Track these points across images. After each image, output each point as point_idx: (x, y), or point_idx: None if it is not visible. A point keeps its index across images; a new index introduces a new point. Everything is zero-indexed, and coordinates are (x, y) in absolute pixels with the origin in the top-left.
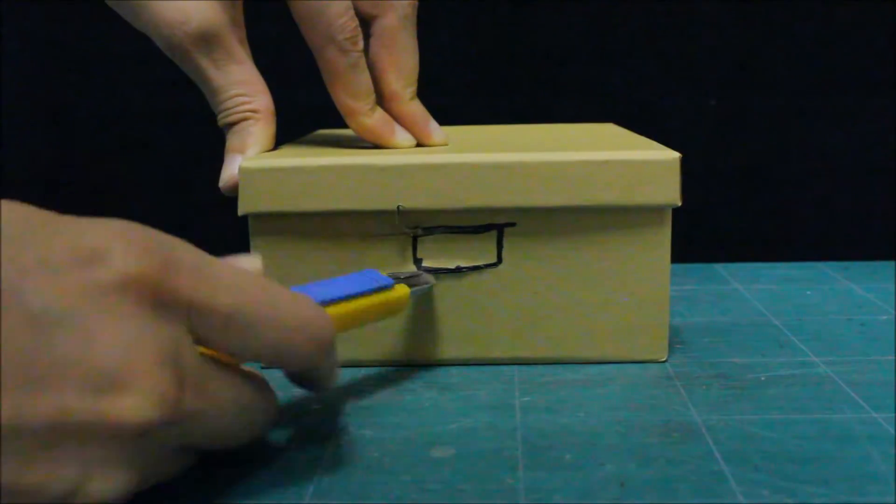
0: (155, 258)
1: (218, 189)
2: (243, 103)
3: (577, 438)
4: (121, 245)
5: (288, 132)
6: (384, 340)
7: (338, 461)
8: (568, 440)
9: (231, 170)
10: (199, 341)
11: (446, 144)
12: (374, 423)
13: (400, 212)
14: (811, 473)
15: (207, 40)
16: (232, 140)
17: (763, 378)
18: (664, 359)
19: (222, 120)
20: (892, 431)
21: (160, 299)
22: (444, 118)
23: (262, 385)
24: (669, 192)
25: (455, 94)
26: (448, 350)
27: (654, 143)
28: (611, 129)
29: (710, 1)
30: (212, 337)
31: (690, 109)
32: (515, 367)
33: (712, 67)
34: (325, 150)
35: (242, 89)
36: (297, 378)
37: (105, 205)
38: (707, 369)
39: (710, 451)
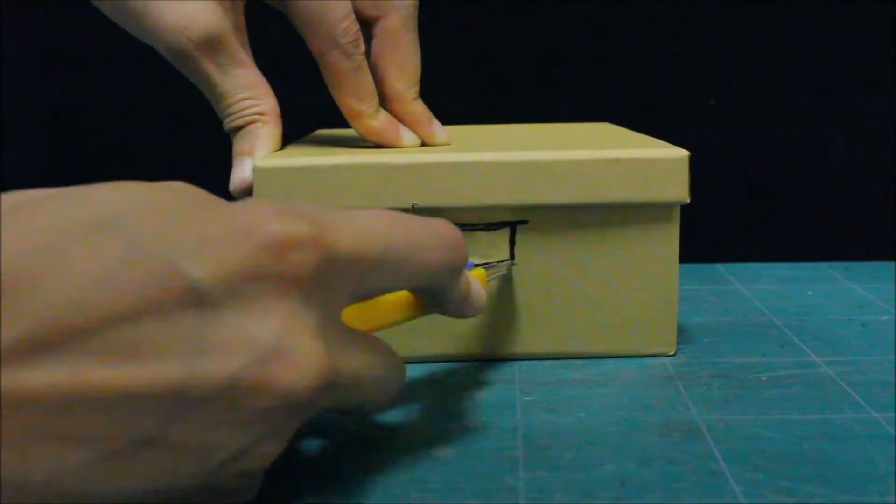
0: (307, 223)
1: (221, 189)
2: (250, 106)
3: (577, 438)
4: (273, 216)
5: (286, 132)
6: (397, 338)
7: (338, 461)
8: (568, 440)
9: (241, 172)
10: (352, 294)
11: (450, 143)
12: (374, 423)
13: (414, 209)
14: (811, 473)
15: (212, 45)
16: (240, 143)
17: (764, 378)
18: (673, 352)
19: (229, 124)
20: (893, 431)
21: (319, 263)
22: (444, 118)
23: (390, 352)
24: (678, 188)
25: (455, 94)
26: (461, 346)
27: (660, 141)
28: (610, 129)
29: (710, 1)
30: (367, 282)
31: (690, 109)
32: (517, 367)
33: (712, 67)
34: (335, 149)
35: (248, 93)
36: (447, 306)
37: None
38: (708, 369)
39: (710, 450)
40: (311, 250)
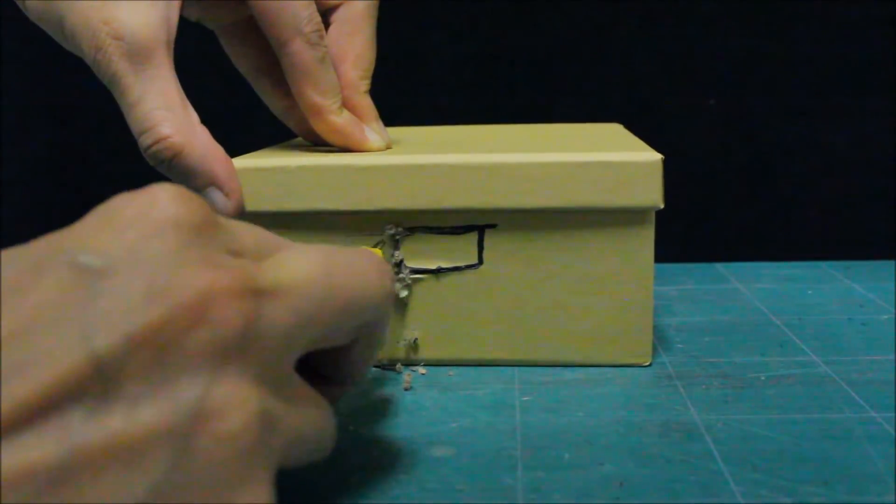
0: (229, 272)
1: None
2: (161, 120)
3: (576, 438)
4: (193, 268)
5: (288, 133)
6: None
7: (338, 461)
8: (567, 440)
9: (218, 206)
10: (301, 334)
11: (389, 147)
12: (374, 423)
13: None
14: (810, 473)
15: (136, 48)
16: (180, 181)
17: (763, 378)
18: (648, 363)
19: (145, 151)
20: (892, 431)
21: (245, 315)
22: (445, 118)
23: (328, 406)
24: (651, 193)
25: (455, 94)
26: (427, 351)
27: (642, 144)
28: (612, 130)
29: (710, 1)
30: (313, 321)
31: (690, 109)
32: (515, 367)
33: (712, 67)
34: (310, 150)
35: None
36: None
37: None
38: (707, 369)
39: (709, 450)
40: (234, 303)
